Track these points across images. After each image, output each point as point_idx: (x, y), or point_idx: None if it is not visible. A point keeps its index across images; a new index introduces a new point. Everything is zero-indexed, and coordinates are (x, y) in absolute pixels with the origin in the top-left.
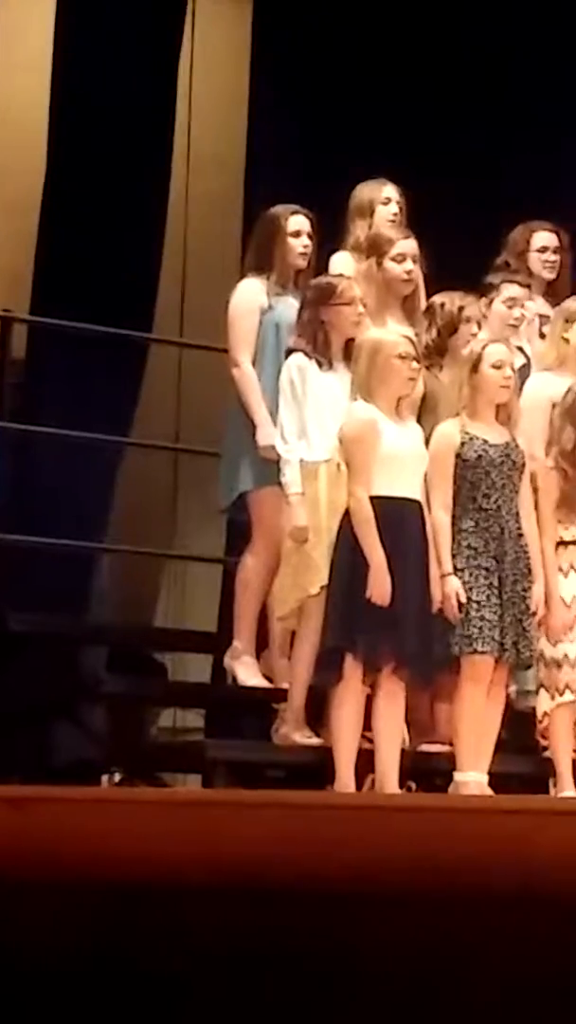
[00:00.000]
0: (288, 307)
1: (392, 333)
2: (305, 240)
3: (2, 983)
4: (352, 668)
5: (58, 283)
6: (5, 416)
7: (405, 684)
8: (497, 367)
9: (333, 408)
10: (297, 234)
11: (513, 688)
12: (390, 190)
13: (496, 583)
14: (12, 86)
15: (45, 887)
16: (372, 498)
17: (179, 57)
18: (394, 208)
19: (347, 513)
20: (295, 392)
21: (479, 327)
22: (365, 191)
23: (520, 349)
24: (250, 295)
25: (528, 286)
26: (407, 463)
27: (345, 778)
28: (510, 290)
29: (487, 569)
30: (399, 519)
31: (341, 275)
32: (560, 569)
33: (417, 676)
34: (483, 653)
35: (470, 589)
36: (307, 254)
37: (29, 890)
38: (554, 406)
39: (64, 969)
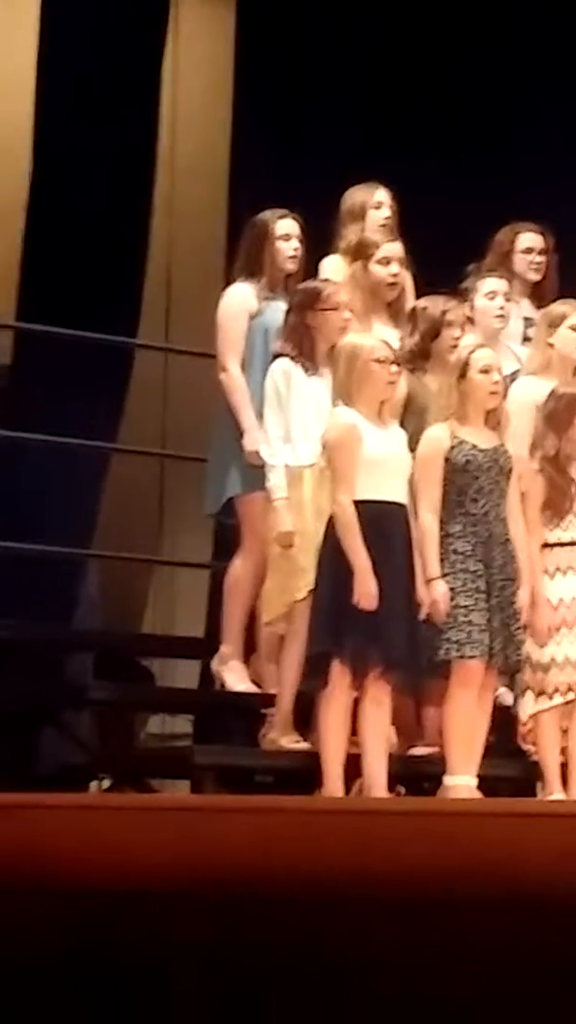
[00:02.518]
0: (277, 312)
1: (370, 337)
2: (295, 243)
3: None
4: (339, 673)
5: (44, 289)
6: None
7: (392, 688)
8: (485, 372)
9: (318, 413)
10: (286, 238)
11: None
12: (382, 194)
13: (484, 587)
14: None
15: (32, 894)
16: (356, 502)
17: (163, 62)
18: (386, 212)
19: (331, 518)
20: (280, 397)
21: (462, 331)
22: (357, 195)
23: (514, 353)
24: (239, 300)
25: (507, 279)
26: (391, 467)
27: (333, 783)
28: (488, 283)
29: (474, 573)
30: (384, 523)
31: (327, 280)
32: (545, 571)
33: (404, 681)
34: (472, 658)
35: (458, 593)
36: (297, 258)
37: (16, 897)
38: (538, 410)
39: (49, 976)
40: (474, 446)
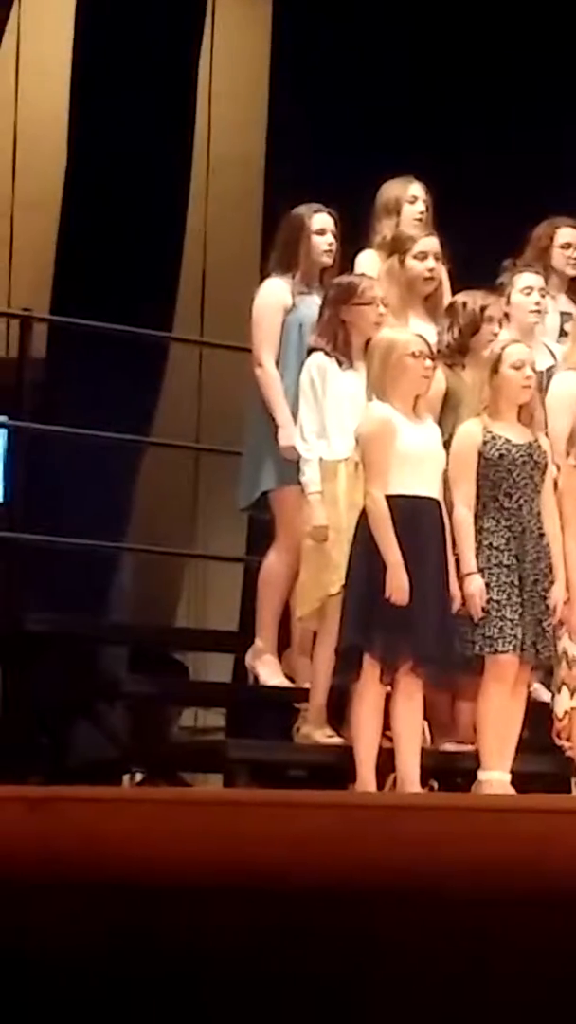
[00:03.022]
0: (312, 306)
1: (405, 332)
2: (330, 238)
3: (20, 983)
4: (370, 667)
5: (78, 282)
6: (25, 415)
7: (424, 683)
8: (517, 367)
9: (353, 407)
10: (322, 232)
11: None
12: (416, 188)
13: (516, 582)
14: (33, 86)
15: (64, 887)
16: (389, 497)
17: (199, 55)
18: (420, 207)
19: (364, 512)
20: (315, 391)
21: (500, 327)
22: (392, 190)
23: (549, 349)
24: (275, 294)
25: (543, 274)
26: (424, 462)
27: (366, 777)
28: (524, 278)
29: (508, 568)
30: (416, 517)
31: (363, 275)
32: None
33: (435, 675)
34: (505, 652)
35: (491, 588)
36: (332, 252)
37: (49, 890)
38: None
39: (82, 969)
40: (507, 440)
